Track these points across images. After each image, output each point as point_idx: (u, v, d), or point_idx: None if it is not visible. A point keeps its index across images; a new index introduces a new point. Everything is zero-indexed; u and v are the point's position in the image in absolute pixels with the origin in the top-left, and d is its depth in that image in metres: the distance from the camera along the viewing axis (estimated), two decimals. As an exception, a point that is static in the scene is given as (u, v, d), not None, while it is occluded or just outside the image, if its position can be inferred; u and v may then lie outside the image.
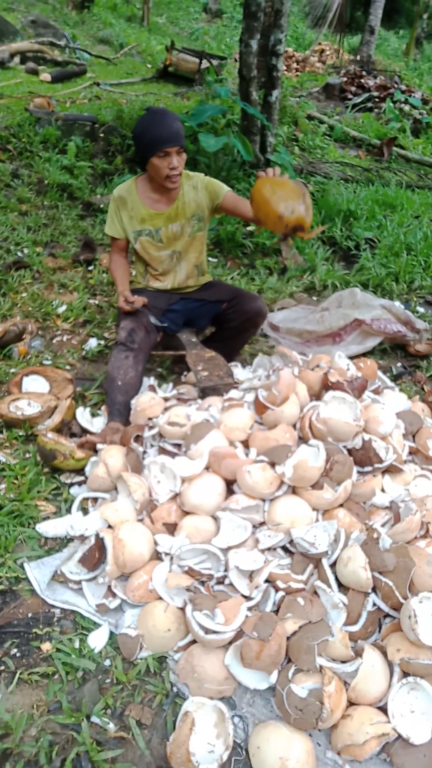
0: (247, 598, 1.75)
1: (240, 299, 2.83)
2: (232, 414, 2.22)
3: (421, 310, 4.03)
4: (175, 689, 1.66)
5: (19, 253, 3.83)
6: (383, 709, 1.60)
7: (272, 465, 1.99)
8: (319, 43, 13.31)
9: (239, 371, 2.88)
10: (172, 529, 1.99)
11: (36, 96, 6.49)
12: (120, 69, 10.01)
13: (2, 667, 1.64)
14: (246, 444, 2.17)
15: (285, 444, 2.04)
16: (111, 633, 1.77)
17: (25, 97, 6.56)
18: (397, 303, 3.64)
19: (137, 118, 5.99)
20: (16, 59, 8.61)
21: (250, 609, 1.71)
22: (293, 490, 2.00)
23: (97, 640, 1.74)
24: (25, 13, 10.71)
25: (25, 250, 3.88)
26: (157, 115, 2.48)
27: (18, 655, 1.68)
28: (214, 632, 1.62)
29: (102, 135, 5.70)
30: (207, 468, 2.07)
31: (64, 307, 3.42)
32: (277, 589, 1.77)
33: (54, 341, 3.19)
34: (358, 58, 12.22)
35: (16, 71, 8.32)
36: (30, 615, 1.79)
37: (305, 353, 3.13)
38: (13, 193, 4.60)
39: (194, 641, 1.70)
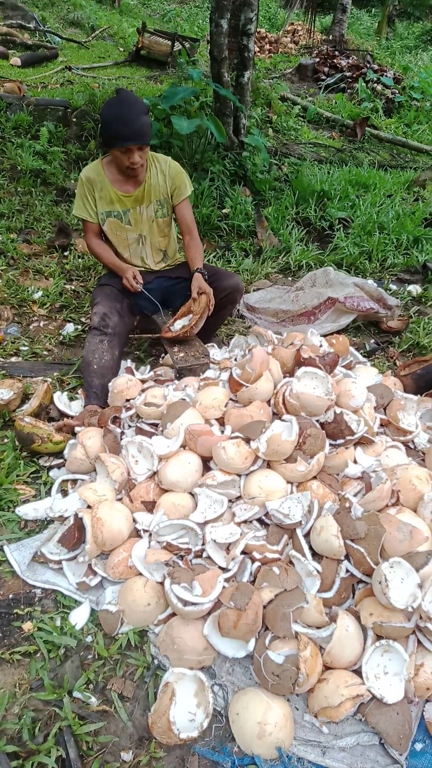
0: (224, 569, 1.78)
1: (217, 276, 2.85)
2: (208, 392, 2.24)
3: (393, 287, 4.08)
4: (156, 661, 1.69)
5: (-8, 240, 3.79)
6: (358, 672, 1.65)
7: (247, 441, 2.02)
8: (291, 23, 13.20)
9: (216, 351, 2.90)
10: (150, 506, 2.02)
11: (6, 81, 6.36)
12: (92, 53, 9.85)
13: (-17, 647, 1.66)
14: (221, 421, 2.20)
15: (259, 420, 2.07)
16: (92, 610, 1.80)
17: (-7, 82, 6.42)
18: (370, 281, 3.68)
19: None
20: (-16, 43, 8.42)
21: (227, 580, 1.75)
22: (268, 465, 2.03)
23: (79, 617, 1.76)
24: (-8, -4, 10.43)
25: (0, 237, 3.85)
26: (125, 107, 2.41)
27: (-1, 635, 1.70)
28: (193, 604, 1.65)
29: (75, 120, 5.62)
30: (183, 446, 2.09)
31: (40, 293, 3.40)
32: (253, 560, 1.81)
33: (31, 327, 3.17)
34: (331, 37, 12.13)
35: (-17, 56, 8.14)
36: (11, 596, 1.81)
37: (281, 332, 3.16)
38: (-16, 180, 4.53)
39: (174, 614, 1.73)
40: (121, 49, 10.48)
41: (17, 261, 3.66)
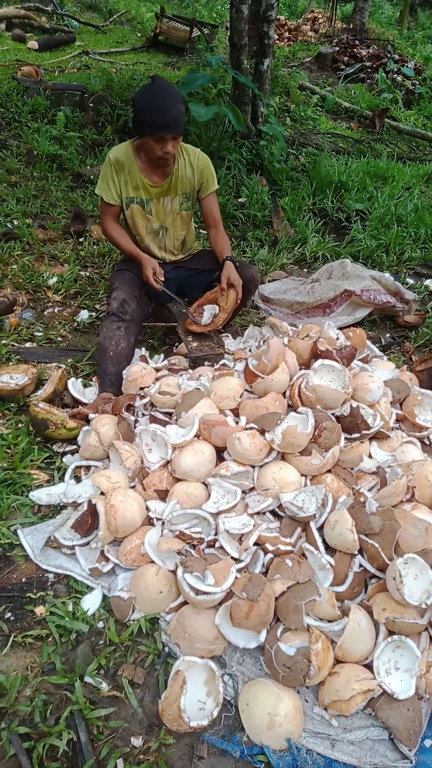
0: (237, 560, 1.78)
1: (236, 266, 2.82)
2: (223, 382, 2.23)
3: (410, 281, 4.03)
4: (166, 649, 1.70)
5: (9, 225, 3.79)
6: (369, 667, 1.64)
7: (262, 432, 2.01)
8: (312, 11, 13.01)
9: (230, 342, 2.89)
10: (163, 495, 2.02)
11: (23, 64, 6.33)
12: (109, 37, 9.76)
13: (-4, 630, 1.67)
14: (236, 412, 2.19)
15: (274, 411, 2.06)
16: (104, 596, 1.81)
17: (12, 65, 6.40)
18: (387, 274, 3.64)
19: (132, 86, 5.89)
20: (2, 26, 8.36)
21: (239, 571, 1.75)
22: (282, 457, 2.02)
23: (91, 602, 1.77)
24: (10, -22, 10.35)
25: (15, 222, 3.83)
26: (161, 95, 2.38)
27: (12, 618, 1.71)
28: (205, 593, 1.65)
29: (91, 105, 5.59)
30: (197, 436, 2.09)
31: (54, 279, 3.39)
32: (266, 552, 1.81)
33: (45, 313, 3.17)
34: (351, 26, 11.93)
35: (2, 39, 8.10)
36: (24, 580, 1.82)
37: (295, 324, 3.13)
38: (1, 164, 4.52)
39: (185, 602, 1.73)
40: (139, 35, 10.37)
41: (32, 246, 3.65)
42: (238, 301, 2.68)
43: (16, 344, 2.86)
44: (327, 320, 2.99)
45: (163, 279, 2.69)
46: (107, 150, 5.12)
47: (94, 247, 3.85)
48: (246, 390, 2.25)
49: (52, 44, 8.13)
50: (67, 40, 8.55)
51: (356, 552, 1.77)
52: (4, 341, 2.84)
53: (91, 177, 4.72)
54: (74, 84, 5.74)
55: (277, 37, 11.23)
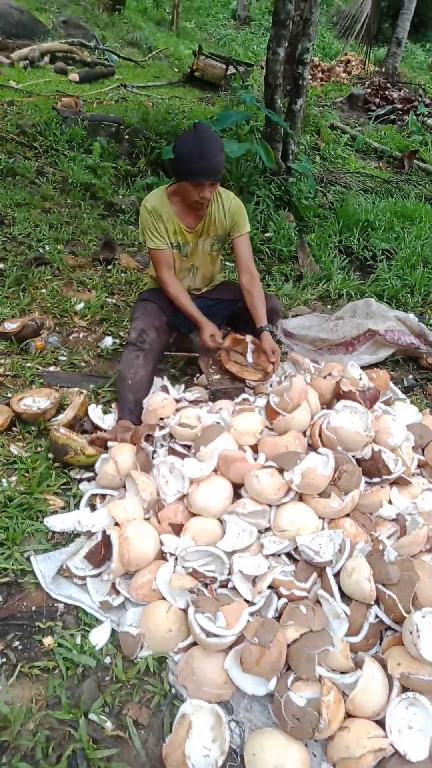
0: (250, 603, 1.75)
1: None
2: (243, 418, 2.23)
3: (436, 323, 4.01)
4: (173, 690, 1.66)
5: (41, 250, 3.87)
6: (381, 723, 1.59)
7: (280, 471, 1.99)
8: (345, 54, 13.33)
9: (252, 376, 2.88)
10: (178, 529, 2.00)
11: (64, 95, 6.56)
12: (147, 72, 10.09)
13: (3, 660, 1.65)
14: (255, 449, 2.18)
15: (294, 450, 2.04)
16: (113, 630, 1.78)
17: (53, 96, 6.64)
18: (412, 315, 3.63)
19: (168, 120, 6.05)
20: (46, 59, 8.71)
21: (252, 614, 1.71)
22: (300, 497, 2.00)
23: (99, 637, 1.75)
24: (57, 14, 10.83)
25: (47, 247, 3.92)
26: (204, 143, 2.42)
27: (20, 647, 1.69)
28: (216, 635, 1.62)
29: (127, 136, 5.75)
30: (215, 471, 2.07)
31: (81, 305, 3.45)
32: (279, 596, 1.77)
33: (70, 338, 3.21)
34: (384, 69, 12.20)
35: (45, 70, 8.42)
36: (34, 608, 1.80)
37: (317, 361, 3.13)
38: (37, 191, 4.65)
39: (195, 643, 1.70)
40: (176, 70, 10.71)
41: (62, 272, 3.72)
42: (275, 368, 2.67)
43: (40, 368, 2.90)
44: (350, 359, 2.98)
45: (221, 342, 2.70)
46: (140, 181, 5.26)
47: (122, 274, 3.92)
48: (266, 427, 2.24)
49: (92, 77, 8.43)
50: (107, 74, 8.86)
51: (373, 602, 1.73)
52: (29, 364, 2.88)
53: (123, 207, 4.83)
54: (111, 116, 5.93)
55: (310, 77, 11.50)
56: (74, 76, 8.15)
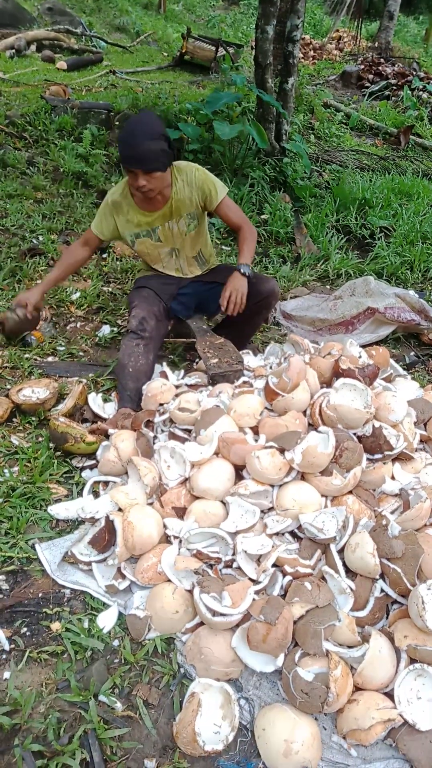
0: (255, 581, 1.75)
1: (254, 280, 2.82)
2: (243, 400, 2.22)
3: (436, 299, 3.98)
4: (182, 670, 1.68)
5: (34, 240, 3.85)
6: (389, 695, 1.60)
7: (281, 451, 1.98)
8: (337, 30, 13.12)
9: (250, 359, 2.88)
10: (181, 513, 2.00)
11: (52, 84, 6.49)
12: (136, 57, 9.96)
13: (12, 646, 1.66)
14: (256, 430, 2.17)
15: (294, 430, 2.03)
16: (120, 614, 1.79)
17: (41, 84, 6.57)
18: (412, 292, 3.60)
19: (158, 105, 5.98)
20: (33, 47, 8.60)
21: (257, 593, 1.72)
22: (302, 476, 2.00)
23: (106, 620, 1.76)
24: (42, 1, 10.68)
25: (40, 238, 3.90)
26: (131, 129, 2.37)
27: (28, 634, 1.71)
28: (222, 615, 1.63)
29: (117, 123, 5.68)
30: (216, 453, 2.07)
31: (77, 294, 3.43)
32: (284, 574, 1.78)
33: (68, 328, 3.21)
34: (376, 44, 12.00)
35: (32, 59, 8.32)
36: (40, 595, 1.81)
37: (317, 341, 3.11)
38: (28, 181, 4.61)
39: (202, 623, 1.71)
40: (165, 54, 10.57)
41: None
42: (241, 309, 2.62)
43: (38, 358, 2.90)
44: (349, 338, 2.96)
45: (27, 311, 2.74)
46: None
47: (117, 263, 3.90)
48: (266, 408, 2.23)
49: (80, 64, 8.32)
50: (95, 60, 8.75)
51: (378, 577, 1.73)
52: (27, 355, 2.87)
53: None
54: (101, 103, 5.86)
55: (302, 55, 11.34)
56: (62, 64, 8.05)
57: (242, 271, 2.65)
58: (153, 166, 2.38)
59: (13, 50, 8.21)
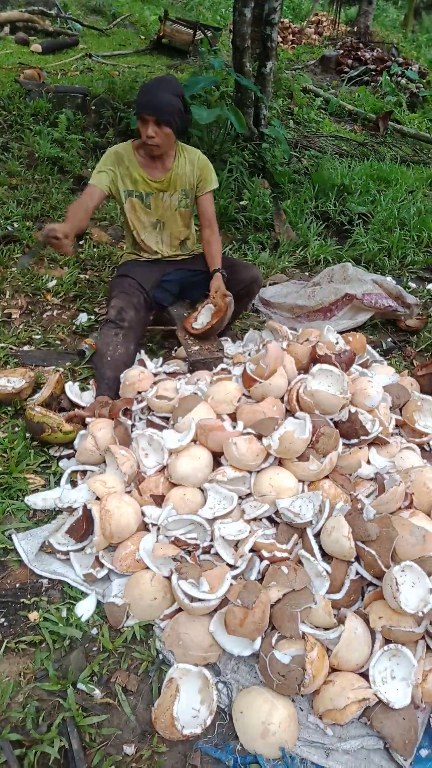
0: (232, 566, 1.76)
1: (234, 268, 2.84)
2: (220, 387, 2.22)
3: (412, 285, 4.01)
4: (161, 656, 1.69)
5: (9, 227, 3.78)
6: (365, 675, 1.63)
7: (259, 437, 1.99)
8: (316, 14, 13.01)
9: (230, 346, 2.88)
10: (159, 500, 2.00)
11: (26, 67, 6.33)
12: (113, 40, 9.76)
13: (-11, 636, 1.66)
14: (233, 417, 2.18)
15: (272, 417, 2.04)
16: (98, 602, 1.79)
17: (15, 68, 6.39)
18: (389, 278, 3.62)
19: (134, 89, 5.89)
20: (6, 29, 8.37)
21: (234, 578, 1.73)
22: (279, 462, 2.01)
23: (85, 609, 1.76)
24: (15, -19, 10.38)
25: (15, 225, 3.83)
26: (155, 82, 2.48)
27: (5, 624, 1.70)
28: (199, 600, 1.64)
29: (94, 107, 5.58)
30: (194, 440, 2.07)
31: (54, 282, 3.39)
32: (261, 558, 1.79)
33: (44, 316, 3.17)
34: (355, 29, 11.91)
35: (6, 42, 8.10)
36: (18, 585, 1.80)
37: (296, 328, 3.11)
38: (2, 167, 4.52)
39: (180, 609, 1.72)
40: (142, 37, 10.37)
41: (32, 249, 3.64)
42: (229, 312, 2.67)
43: (14, 347, 2.86)
44: (327, 324, 2.98)
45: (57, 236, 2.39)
46: (109, 152, 5.12)
47: (94, 249, 3.85)
48: (244, 395, 2.24)
49: (55, 47, 8.13)
50: (71, 43, 8.55)
51: (353, 559, 1.75)
52: (2, 344, 2.83)
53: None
54: (76, 87, 5.74)
55: (281, 39, 11.23)
56: (36, 47, 7.85)
57: (223, 273, 2.77)
58: (166, 118, 2.45)
59: (-14, 32, 7.99)
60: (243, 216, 4.67)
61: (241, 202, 4.89)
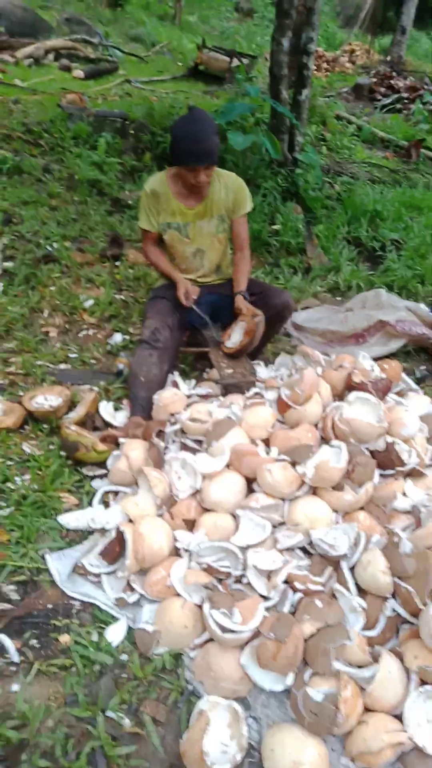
0: (265, 598, 1.74)
1: (267, 293, 2.85)
2: (254, 412, 2.21)
3: (447, 313, 3.96)
4: (190, 687, 1.66)
5: (49, 248, 3.87)
6: (399, 717, 1.57)
7: (293, 464, 1.97)
8: (350, 43, 13.18)
9: (261, 370, 2.87)
10: (191, 525, 1.99)
11: (68, 92, 6.54)
12: (151, 67, 10.04)
13: (22, 658, 1.65)
14: (267, 442, 2.17)
15: (306, 444, 2.03)
16: (128, 627, 1.78)
17: (58, 93, 6.62)
18: (422, 305, 3.59)
19: (172, 114, 6.03)
20: (50, 56, 8.69)
21: (267, 609, 1.70)
22: (314, 491, 1.98)
23: (115, 634, 1.75)
24: (61, 11, 10.81)
25: (55, 245, 3.92)
26: (196, 125, 2.45)
27: (37, 646, 1.70)
28: (231, 631, 1.61)
29: (132, 132, 5.72)
30: (228, 465, 2.06)
31: (90, 302, 3.44)
32: (294, 590, 1.76)
33: (80, 335, 3.21)
34: (389, 58, 12.04)
35: (50, 68, 8.41)
36: (50, 606, 1.80)
37: (328, 353, 3.10)
38: (44, 188, 4.64)
39: (210, 639, 1.70)
40: (180, 64, 10.65)
41: (70, 269, 3.72)
42: (259, 331, 2.67)
43: (51, 365, 2.90)
44: (361, 351, 2.95)
45: (194, 298, 2.76)
46: (145, 176, 5.22)
47: (130, 270, 3.91)
48: (278, 420, 2.22)
49: (96, 73, 8.40)
50: (111, 69, 8.83)
51: (389, 595, 1.71)
52: (39, 362, 2.88)
53: (129, 202, 4.81)
54: (116, 111, 5.91)
55: (315, 67, 11.38)
56: (78, 72, 8.13)
57: (245, 295, 2.79)
58: (215, 160, 2.51)
59: (32, 59, 8.31)
60: (275, 240, 4.70)
61: (274, 226, 4.93)
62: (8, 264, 3.60)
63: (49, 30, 9.60)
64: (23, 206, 4.30)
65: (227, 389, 2.62)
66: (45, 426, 2.48)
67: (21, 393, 2.65)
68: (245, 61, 9.25)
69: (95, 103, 6.56)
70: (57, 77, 7.88)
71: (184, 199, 2.70)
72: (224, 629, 1.62)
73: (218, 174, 2.73)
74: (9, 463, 2.26)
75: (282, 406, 2.19)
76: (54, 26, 9.89)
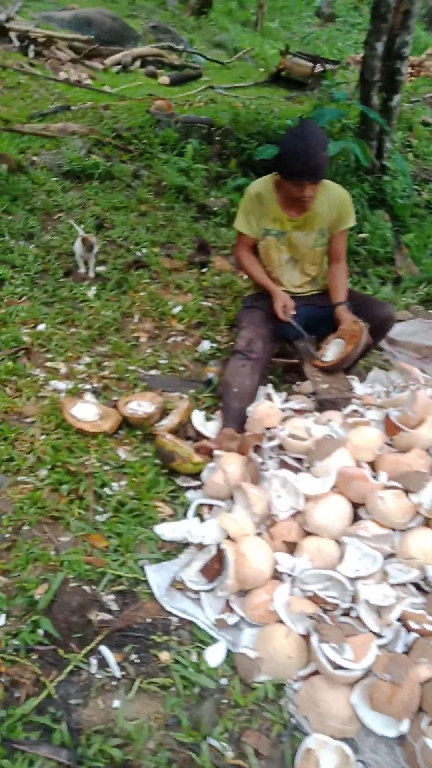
0: (376, 635, 1.63)
1: (367, 304, 2.75)
2: (360, 432, 2.11)
3: None
4: (293, 720, 1.58)
5: (138, 253, 3.90)
6: None
7: (406, 492, 1.85)
8: (437, 46, 12.74)
9: (357, 386, 2.75)
10: (291, 548, 1.91)
11: (156, 98, 6.63)
12: (233, 73, 10.07)
13: (123, 672, 1.62)
14: (373, 466, 2.05)
15: (420, 471, 1.90)
16: (228, 650, 1.71)
17: (145, 99, 6.72)
18: None
19: (258, 121, 5.99)
20: (137, 63, 8.89)
21: (379, 648, 1.59)
22: (427, 523, 1.86)
23: (215, 656, 1.69)
24: (146, 20, 11.05)
25: (144, 250, 3.94)
26: (306, 140, 2.38)
27: (137, 661, 1.66)
28: (343, 668, 1.52)
29: (218, 138, 5.71)
30: (333, 488, 1.97)
31: (178, 308, 3.43)
32: (408, 630, 1.64)
33: (169, 341, 3.20)
34: None
35: (136, 74, 8.59)
36: (149, 620, 1.77)
37: (424, 370, 2.94)
38: (133, 194, 4.70)
39: (316, 672, 1.61)
40: (261, 70, 10.62)
41: (159, 275, 3.73)
42: (362, 343, 2.55)
43: (142, 371, 2.90)
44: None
45: (293, 313, 2.67)
46: (231, 182, 5.20)
47: (216, 278, 3.88)
48: (385, 443, 2.11)
49: (181, 80, 8.50)
50: (195, 76, 8.91)
51: None
52: (131, 367, 2.88)
53: (214, 209, 4.79)
54: (202, 117, 5.92)
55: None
56: (164, 79, 8.25)
57: (348, 306, 2.69)
58: (322, 176, 2.46)
59: (120, 66, 8.54)
60: (363, 249, 4.56)
61: (361, 235, 4.78)
62: (101, 269, 3.65)
63: (136, 38, 9.83)
64: (114, 211, 4.37)
65: (323, 405, 2.52)
66: (138, 432, 2.47)
67: (114, 397, 2.65)
68: (329, 66, 9.12)
69: (181, 109, 6.61)
70: (143, 83, 8.03)
71: (286, 208, 2.65)
72: (335, 665, 1.52)
73: (324, 186, 2.64)
74: (106, 467, 2.26)
75: (391, 428, 2.07)
76: (140, 34, 10.11)
